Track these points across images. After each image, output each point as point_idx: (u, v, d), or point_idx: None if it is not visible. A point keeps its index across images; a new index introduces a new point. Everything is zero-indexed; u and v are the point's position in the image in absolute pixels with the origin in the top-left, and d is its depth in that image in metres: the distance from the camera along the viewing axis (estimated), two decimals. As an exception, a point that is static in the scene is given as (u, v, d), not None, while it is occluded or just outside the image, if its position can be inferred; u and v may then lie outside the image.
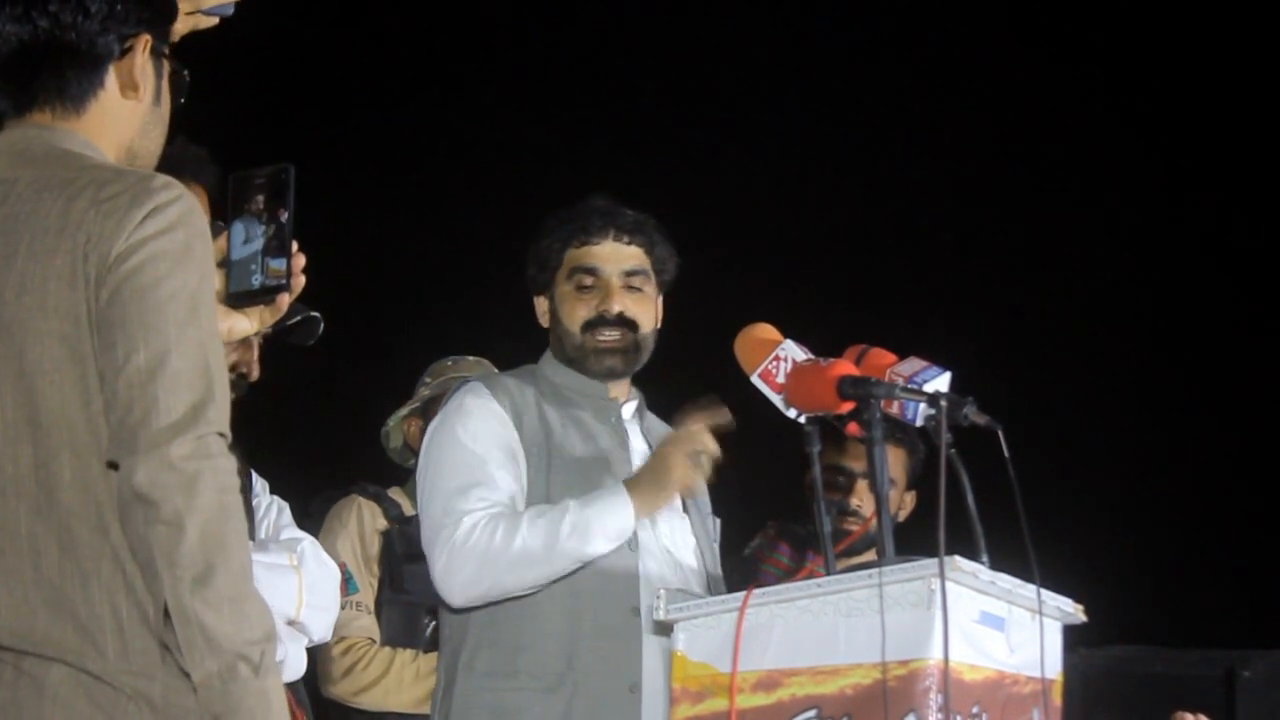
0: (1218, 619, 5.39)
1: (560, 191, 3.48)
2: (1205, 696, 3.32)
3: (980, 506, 2.53)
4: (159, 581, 1.84)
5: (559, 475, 3.09)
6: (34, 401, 1.89)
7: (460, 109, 6.43)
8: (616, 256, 3.19)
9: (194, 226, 1.93)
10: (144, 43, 2.07)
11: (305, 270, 2.09)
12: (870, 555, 3.39)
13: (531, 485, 3.08)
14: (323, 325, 2.89)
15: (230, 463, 1.89)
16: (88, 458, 1.88)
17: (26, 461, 1.89)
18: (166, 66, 2.12)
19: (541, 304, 3.25)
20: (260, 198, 2.06)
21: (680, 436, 3.02)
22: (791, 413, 2.77)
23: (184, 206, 1.92)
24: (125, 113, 2.07)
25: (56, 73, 2.03)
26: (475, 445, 3.07)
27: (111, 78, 2.05)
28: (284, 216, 2.05)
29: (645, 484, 2.99)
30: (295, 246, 2.07)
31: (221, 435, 1.89)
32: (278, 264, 2.05)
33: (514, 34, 6.59)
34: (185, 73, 2.14)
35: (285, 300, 2.09)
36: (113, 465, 1.87)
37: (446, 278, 6.29)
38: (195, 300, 1.90)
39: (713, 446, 2.99)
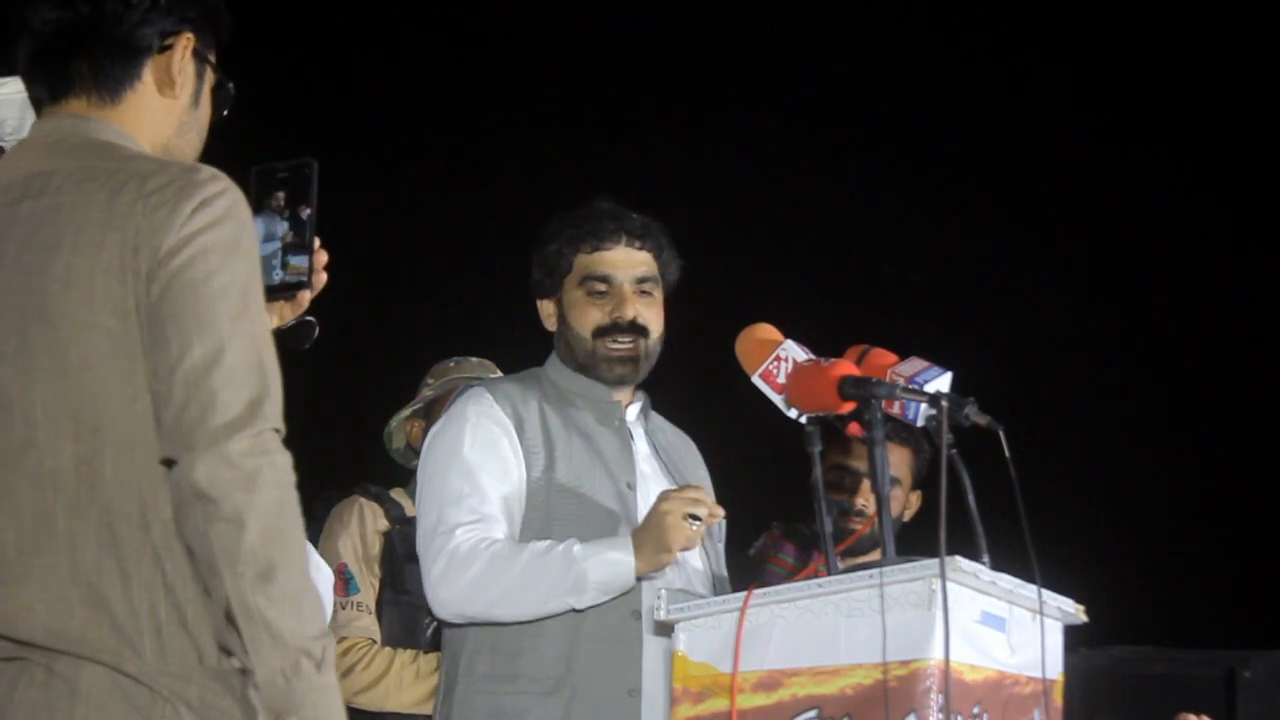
0: (1218, 619, 5.39)
1: (564, 192, 3.48)
2: (1205, 696, 3.32)
3: (981, 507, 2.53)
4: (219, 579, 1.82)
5: (561, 480, 3.08)
6: (78, 397, 1.86)
7: (464, 110, 6.43)
8: (629, 263, 3.18)
9: (241, 219, 1.92)
10: (185, 42, 2.07)
11: (327, 268, 2.08)
12: (875, 554, 3.39)
13: (533, 490, 3.07)
14: (318, 329, 2.89)
15: (287, 459, 1.88)
16: (131, 454, 1.86)
17: (67, 457, 1.86)
18: (209, 73, 2.11)
19: (548, 308, 3.24)
20: (281, 193, 2.05)
21: (675, 497, 2.96)
22: (793, 413, 2.77)
23: (231, 199, 1.91)
24: (161, 110, 2.07)
25: (93, 61, 2.02)
26: (471, 454, 3.06)
27: (149, 72, 2.05)
28: (305, 214, 2.05)
29: (646, 545, 2.95)
30: (317, 243, 2.07)
31: (277, 431, 1.88)
32: (298, 260, 2.04)
33: (517, 38, 6.59)
34: (230, 85, 2.14)
35: (306, 297, 2.08)
36: (166, 462, 1.85)
37: (450, 278, 6.30)
38: (246, 294, 1.89)
39: (707, 508, 2.93)
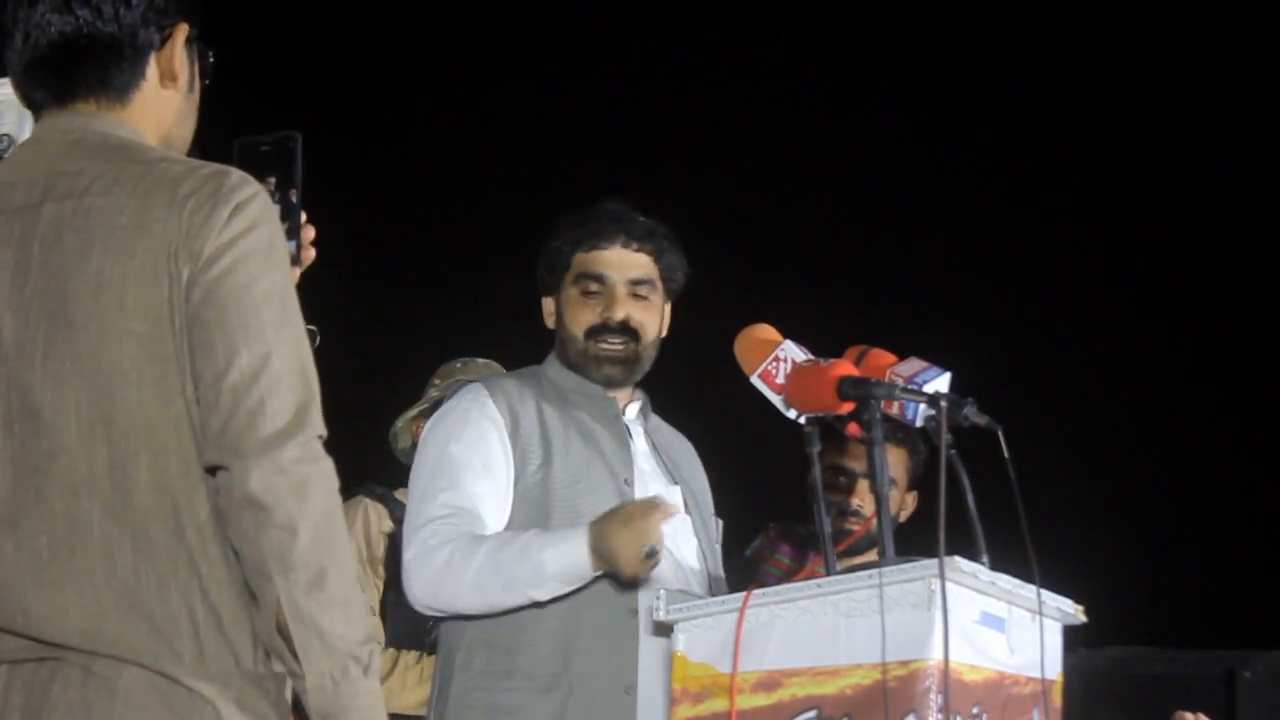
0: (1218, 619, 5.39)
1: (568, 192, 3.49)
2: (1205, 696, 3.32)
3: (980, 507, 2.53)
4: (270, 585, 1.83)
5: (559, 477, 3.08)
6: (110, 401, 1.86)
7: (470, 110, 6.44)
8: (624, 264, 3.18)
9: (273, 222, 1.92)
10: (182, 32, 2.05)
11: (314, 243, 2.08)
12: (872, 555, 3.40)
13: (530, 487, 3.07)
14: (319, 338, 2.89)
15: (331, 464, 1.89)
16: (166, 459, 1.86)
17: (101, 462, 1.86)
18: (197, 54, 2.10)
19: (548, 305, 3.25)
20: (270, 179, 2.03)
21: (634, 526, 2.84)
22: (791, 413, 2.77)
23: (262, 202, 1.91)
24: (164, 102, 2.05)
25: (99, 65, 2.00)
26: (455, 449, 3.07)
27: (153, 69, 2.03)
28: (294, 197, 2.04)
29: (604, 550, 2.87)
30: (304, 217, 2.06)
31: (321, 437, 1.89)
32: (289, 245, 2.01)
33: (521, 38, 6.60)
34: (210, 55, 2.12)
35: (296, 274, 2.06)
36: (210, 470, 1.86)
37: (457, 279, 6.31)
38: (285, 299, 1.90)
39: (656, 538, 2.84)
